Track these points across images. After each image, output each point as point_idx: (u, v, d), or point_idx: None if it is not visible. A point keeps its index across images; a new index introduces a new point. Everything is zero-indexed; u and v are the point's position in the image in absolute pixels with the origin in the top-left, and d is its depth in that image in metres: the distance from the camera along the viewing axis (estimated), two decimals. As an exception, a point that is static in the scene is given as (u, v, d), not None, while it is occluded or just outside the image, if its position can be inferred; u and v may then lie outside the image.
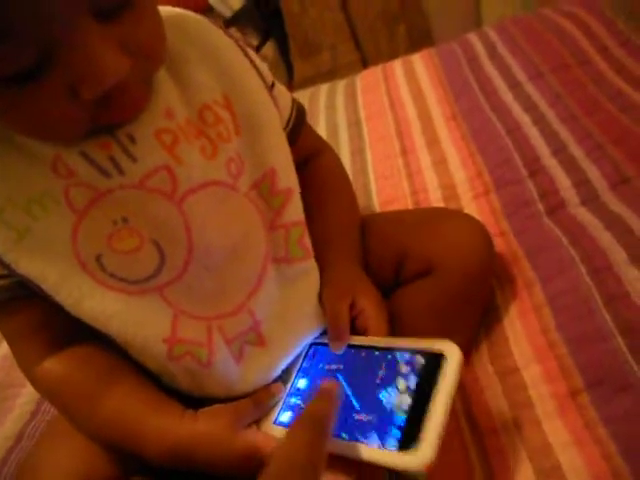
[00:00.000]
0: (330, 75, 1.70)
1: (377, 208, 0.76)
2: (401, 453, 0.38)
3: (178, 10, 0.48)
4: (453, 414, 0.51)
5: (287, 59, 1.95)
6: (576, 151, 0.72)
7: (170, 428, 0.44)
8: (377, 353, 0.45)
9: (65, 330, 0.44)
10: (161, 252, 0.43)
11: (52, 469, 0.45)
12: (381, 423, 0.40)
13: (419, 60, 1.05)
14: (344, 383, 0.45)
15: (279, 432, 0.45)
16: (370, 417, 0.41)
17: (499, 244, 0.64)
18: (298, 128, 0.56)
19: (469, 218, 0.58)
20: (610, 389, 0.48)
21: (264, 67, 0.52)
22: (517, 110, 0.82)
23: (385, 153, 0.85)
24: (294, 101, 0.57)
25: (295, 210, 0.50)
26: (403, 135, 0.87)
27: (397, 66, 1.06)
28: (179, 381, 0.47)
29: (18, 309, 0.44)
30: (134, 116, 0.41)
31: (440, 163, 0.79)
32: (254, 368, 0.49)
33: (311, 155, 0.60)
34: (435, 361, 0.41)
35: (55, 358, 0.45)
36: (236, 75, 0.48)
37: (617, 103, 0.76)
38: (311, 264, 0.52)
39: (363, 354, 0.46)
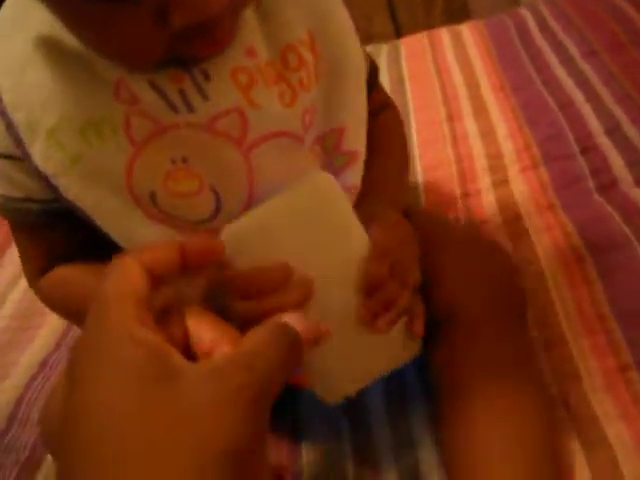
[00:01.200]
0: (365, 44, 1.67)
1: (420, 173, 0.75)
2: None
3: None
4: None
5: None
6: (630, 131, 0.70)
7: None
8: None
9: (79, 250, 0.43)
10: (218, 200, 0.41)
11: None
12: None
13: (466, 30, 1.02)
14: None
15: None
16: None
17: (547, 217, 0.63)
18: (371, 85, 0.51)
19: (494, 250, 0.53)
20: (660, 367, 0.46)
21: None
22: (570, 86, 0.80)
23: (430, 119, 0.83)
24: (368, 56, 0.52)
25: (355, 174, 0.47)
26: (449, 102, 0.85)
27: (444, 34, 1.03)
28: None
29: (39, 228, 0.43)
30: (217, 53, 0.37)
31: (487, 132, 0.77)
32: None
33: (376, 111, 0.54)
34: None
35: (56, 269, 0.45)
36: (326, 9, 0.43)
37: (674, 85, 0.74)
38: None
39: None
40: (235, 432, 0.23)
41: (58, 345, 0.64)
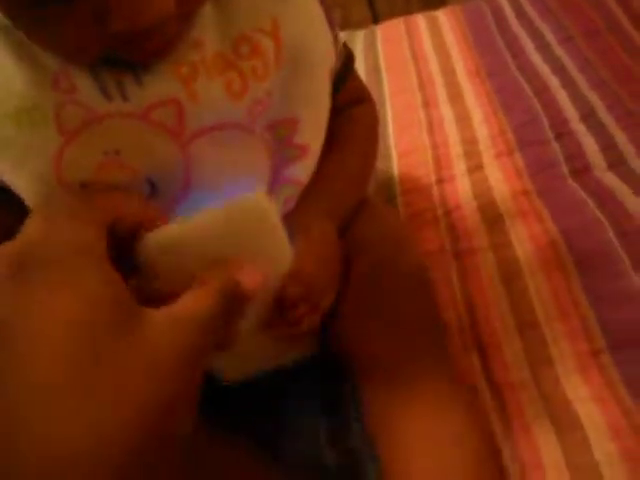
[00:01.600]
0: (342, 30, 1.65)
1: (395, 159, 0.74)
2: None
3: None
4: (471, 368, 0.49)
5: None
6: (605, 117, 0.70)
7: None
8: None
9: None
10: (153, 188, 0.40)
11: None
12: None
13: (443, 16, 1.02)
14: None
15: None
16: None
17: (522, 202, 0.63)
18: (345, 75, 0.50)
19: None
20: (633, 352, 0.46)
21: None
22: (545, 72, 0.80)
23: (406, 104, 0.82)
24: (344, 44, 0.50)
25: (302, 169, 0.46)
26: (425, 88, 0.84)
27: (420, 20, 1.02)
28: None
29: None
30: (157, 59, 0.36)
31: (463, 118, 0.76)
32: None
33: (349, 104, 0.53)
34: None
35: None
36: None
37: (650, 71, 0.74)
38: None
39: None
40: (169, 388, 0.25)
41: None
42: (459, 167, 0.71)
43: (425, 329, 0.47)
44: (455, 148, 0.73)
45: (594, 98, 0.73)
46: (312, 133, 0.45)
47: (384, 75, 0.90)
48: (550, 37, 0.87)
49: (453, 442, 0.41)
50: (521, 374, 0.48)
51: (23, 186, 0.38)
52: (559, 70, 0.79)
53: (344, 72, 0.50)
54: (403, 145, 0.76)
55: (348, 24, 1.85)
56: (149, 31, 0.31)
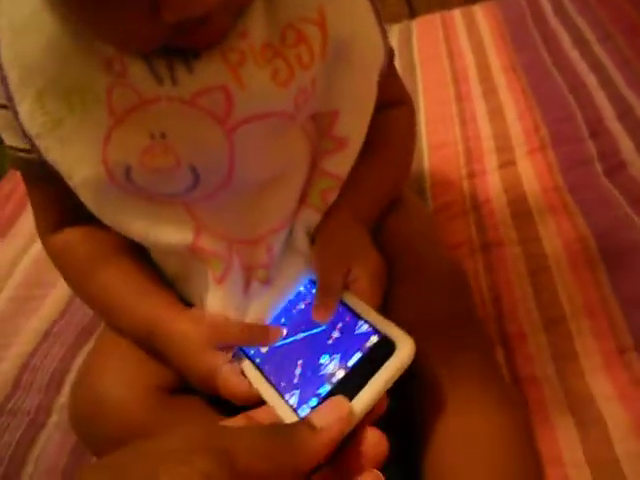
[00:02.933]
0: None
1: (426, 152, 0.74)
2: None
3: None
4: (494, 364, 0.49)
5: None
6: (642, 116, 0.69)
7: (152, 312, 0.43)
8: (342, 310, 0.42)
9: (80, 211, 0.43)
10: (196, 176, 0.40)
11: (112, 378, 0.44)
12: (307, 386, 0.38)
13: (480, 11, 1.01)
14: (298, 326, 0.43)
15: (249, 370, 0.42)
16: (302, 375, 0.39)
17: (552, 198, 0.62)
18: (385, 70, 0.48)
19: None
20: (660, 350, 0.46)
21: None
22: (583, 69, 0.79)
23: (439, 98, 0.82)
24: (387, 41, 0.50)
25: (340, 163, 0.46)
26: (459, 82, 0.84)
27: (456, 15, 1.02)
28: (191, 293, 0.47)
29: (43, 181, 0.43)
30: (213, 46, 0.37)
31: (496, 113, 0.76)
32: (254, 305, 0.45)
33: (387, 104, 0.51)
34: (386, 348, 0.37)
35: (65, 231, 0.47)
36: None
37: (690, 70, 0.73)
38: (320, 218, 0.47)
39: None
40: None
41: (62, 314, 0.65)
42: (490, 162, 0.70)
43: (470, 327, 0.47)
44: (487, 142, 0.73)
45: (631, 97, 0.72)
46: (352, 127, 0.45)
47: (418, 70, 0.90)
48: (588, 34, 0.85)
49: (498, 444, 0.40)
50: (545, 369, 0.48)
51: (67, 166, 0.39)
52: (597, 68, 0.78)
53: (385, 69, 0.49)
54: (435, 139, 0.76)
55: (384, 18, 1.85)
56: (201, 21, 0.32)
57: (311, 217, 0.47)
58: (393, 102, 0.52)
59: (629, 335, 0.48)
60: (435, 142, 0.75)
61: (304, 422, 0.32)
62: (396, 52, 0.95)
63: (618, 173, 0.63)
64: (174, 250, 0.44)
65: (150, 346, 0.44)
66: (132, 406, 0.43)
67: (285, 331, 0.43)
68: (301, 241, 0.46)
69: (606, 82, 0.76)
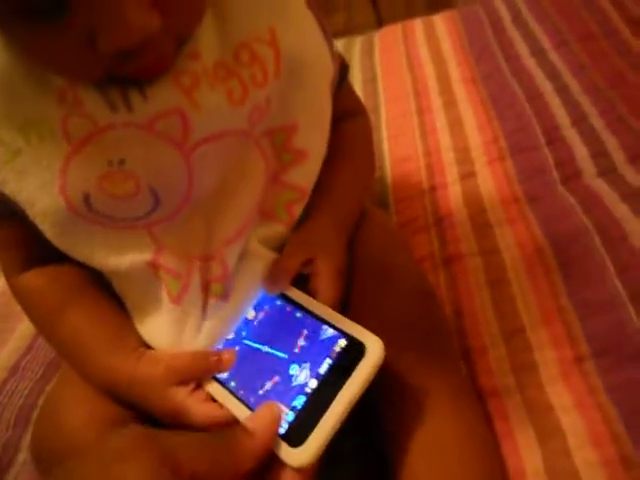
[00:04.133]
0: (344, 35, 1.67)
1: (388, 166, 0.75)
2: (280, 440, 0.36)
3: None
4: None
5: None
6: (596, 122, 0.70)
7: (113, 363, 0.44)
8: (304, 316, 0.42)
9: (44, 248, 0.43)
10: (156, 199, 0.41)
11: (72, 412, 0.44)
12: (281, 399, 0.38)
13: (440, 21, 1.02)
14: (261, 337, 0.43)
15: (216, 392, 0.42)
16: (273, 388, 0.39)
17: (511, 208, 0.63)
18: (340, 81, 0.51)
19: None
20: (616, 358, 0.47)
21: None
22: (539, 77, 0.80)
23: (400, 111, 0.83)
24: (342, 59, 0.51)
25: (302, 174, 0.47)
26: (420, 95, 0.85)
27: (417, 25, 1.03)
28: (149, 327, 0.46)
29: (5, 220, 0.43)
30: (156, 76, 0.37)
31: (456, 125, 0.77)
32: (212, 322, 0.45)
33: (343, 116, 0.53)
34: (356, 350, 0.38)
35: (31, 272, 0.47)
36: (288, 6, 0.42)
37: (643, 76, 0.74)
38: (288, 233, 0.48)
39: (293, 312, 0.43)
40: None
41: (29, 348, 0.65)
42: (451, 174, 0.71)
43: (435, 332, 0.48)
44: (448, 155, 0.74)
45: (586, 103, 0.73)
46: (311, 139, 0.46)
47: (380, 82, 0.91)
48: (545, 42, 0.87)
49: (462, 441, 0.42)
50: (505, 380, 0.49)
51: (26, 197, 0.39)
52: (553, 75, 0.80)
53: (338, 80, 0.50)
54: (397, 152, 0.77)
55: (352, 27, 1.86)
56: (140, 49, 0.32)
57: (276, 229, 0.48)
58: (350, 113, 0.54)
59: (585, 343, 0.49)
60: (397, 156, 0.76)
61: (240, 427, 0.36)
62: (359, 65, 0.98)
63: (574, 181, 0.64)
64: (133, 271, 0.44)
65: (115, 394, 0.44)
66: (93, 441, 0.42)
67: (236, 352, 0.43)
68: (256, 251, 0.47)
69: (562, 89, 0.77)
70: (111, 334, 0.45)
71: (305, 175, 0.47)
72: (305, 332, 0.41)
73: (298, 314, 0.43)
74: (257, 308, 0.46)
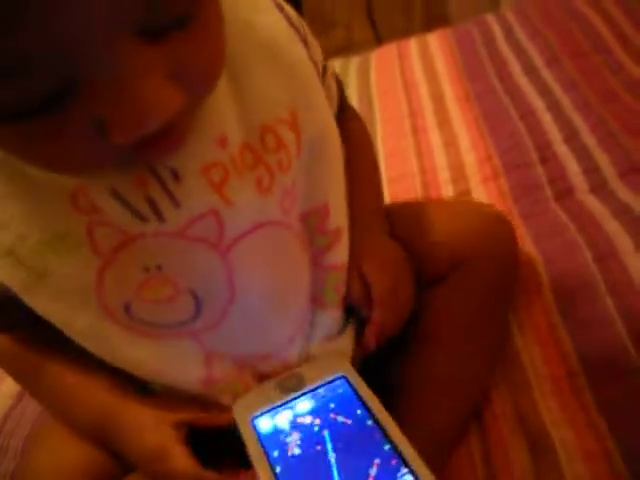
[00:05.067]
0: (344, 52, 1.69)
1: (385, 185, 0.76)
2: None
3: None
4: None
5: (300, 34, 1.92)
6: (588, 139, 0.72)
7: (102, 397, 0.42)
8: (381, 436, 0.37)
9: (25, 313, 0.38)
10: (198, 302, 0.38)
11: (53, 470, 0.43)
12: None
13: (435, 40, 1.04)
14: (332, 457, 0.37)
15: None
16: None
17: (505, 227, 0.64)
18: (342, 106, 0.50)
19: (493, 213, 0.55)
20: (607, 374, 0.48)
21: (316, 48, 0.43)
22: (532, 95, 0.82)
23: (395, 131, 0.85)
24: (338, 81, 0.50)
25: (341, 252, 0.44)
26: (415, 114, 0.86)
27: (412, 45, 1.05)
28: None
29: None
30: (175, 153, 0.32)
31: (450, 144, 0.79)
32: None
33: (345, 118, 0.50)
34: None
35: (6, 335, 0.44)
36: (306, 81, 0.39)
37: (634, 92, 0.76)
38: (341, 314, 0.46)
39: (368, 423, 0.38)
40: None
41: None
42: (447, 192, 0.73)
43: None
44: (443, 173, 0.75)
45: (578, 120, 0.75)
46: (342, 214, 0.44)
47: (375, 102, 0.93)
48: (537, 59, 0.88)
49: None
50: (500, 395, 0.50)
51: (62, 318, 0.36)
52: (545, 92, 0.81)
53: (339, 103, 0.50)
54: (393, 172, 0.78)
55: (351, 43, 1.89)
56: (158, 134, 0.27)
57: (333, 315, 0.45)
58: (348, 117, 0.52)
59: (577, 360, 0.50)
60: (393, 175, 0.77)
61: None
62: (355, 85, 0.99)
63: (566, 198, 0.66)
64: (188, 390, 0.42)
65: (100, 433, 0.42)
66: None
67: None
68: (320, 348, 0.45)
69: (553, 106, 0.79)
70: (98, 376, 0.43)
71: (343, 251, 0.45)
72: (378, 461, 0.36)
73: (368, 423, 0.38)
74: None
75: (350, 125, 0.51)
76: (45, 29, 0.21)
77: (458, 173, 0.74)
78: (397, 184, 0.76)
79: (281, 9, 0.40)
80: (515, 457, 0.46)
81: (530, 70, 0.87)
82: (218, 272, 0.37)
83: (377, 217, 0.50)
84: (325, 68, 0.45)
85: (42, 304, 0.35)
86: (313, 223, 0.43)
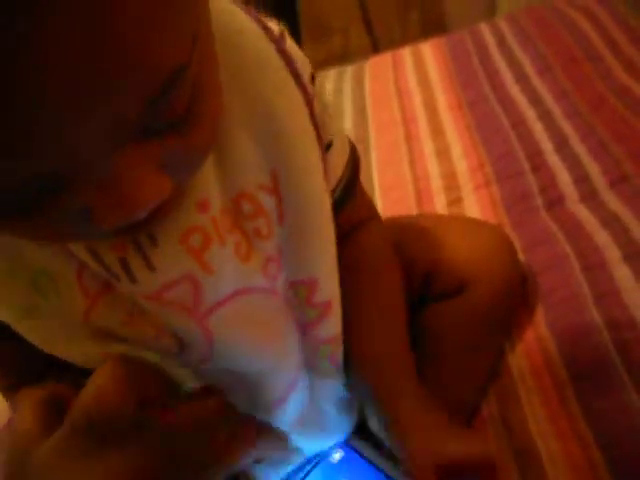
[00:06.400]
0: (341, 59, 1.70)
1: (377, 193, 0.77)
2: None
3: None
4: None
5: (297, 41, 1.93)
6: (578, 147, 0.72)
7: None
8: None
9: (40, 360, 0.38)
10: (181, 343, 0.37)
11: None
12: None
13: (429, 49, 1.05)
14: None
15: None
16: None
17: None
18: (348, 192, 0.45)
19: (497, 231, 0.58)
20: (594, 385, 0.48)
21: (324, 110, 0.41)
22: (523, 103, 0.82)
23: (389, 140, 0.85)
24: (352, 152, 0.46)
25: (332, 325, 0.43)
26: (408, 122, 0.87)
27: (406, 54, 1.05)
28: None
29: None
30: (156, 223, 0.31)
31: (443, 152, 0.79)
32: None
33: (355, 227, 0.48)
34: None
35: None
36: (291, 139, 0.36)
37: (623, 100, 0.76)
38: (340, 380, 0.46)
39: None
40: None
41: None
42: (439, 201, 0.73)
43: None
44: (436, 182, 0.76)
45: (568, 128, 0.75)
46: (332, 286, 0.42)
47: (369, 111, 0.93)
48: (529, 67, 0.89)
49: None
50: (490, 408, 0.50)
51: (60, 351, 0.37)
52: (536, 101, 0.82)
53: (348, 187, 0.45)
54: (386, 180, 0.79)
55: (348, 51, 1.91)
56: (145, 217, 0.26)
57: (334, 383, 0.46)
58: (361, 223, 0.49)
59: (564, 370, 0.50)
60: (386, 184, 0.78)
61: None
62: (350, 94, 0.99)
63: (557, 207, 0.66)
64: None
65: None
66: None
67: None
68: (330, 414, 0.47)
69: (544, 115, 0.79)
70: None
71: (334, 324, 0.43)
72: None
73: None
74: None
75: (361, 236, 0.48)
76: (53, 142, 0.21)
77: (450, 181, 0.75)
78: (390, 192, 0.76)
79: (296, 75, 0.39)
80: (502, 468, 0.46)
81: (522, 79, 0.87)
82: (195, 334, 0.36)
83: (405, 373, 0.46)
84: (331, 144, 0.42)
85: (32, 335, 0.36)
86: (302, 295, 0.41)
